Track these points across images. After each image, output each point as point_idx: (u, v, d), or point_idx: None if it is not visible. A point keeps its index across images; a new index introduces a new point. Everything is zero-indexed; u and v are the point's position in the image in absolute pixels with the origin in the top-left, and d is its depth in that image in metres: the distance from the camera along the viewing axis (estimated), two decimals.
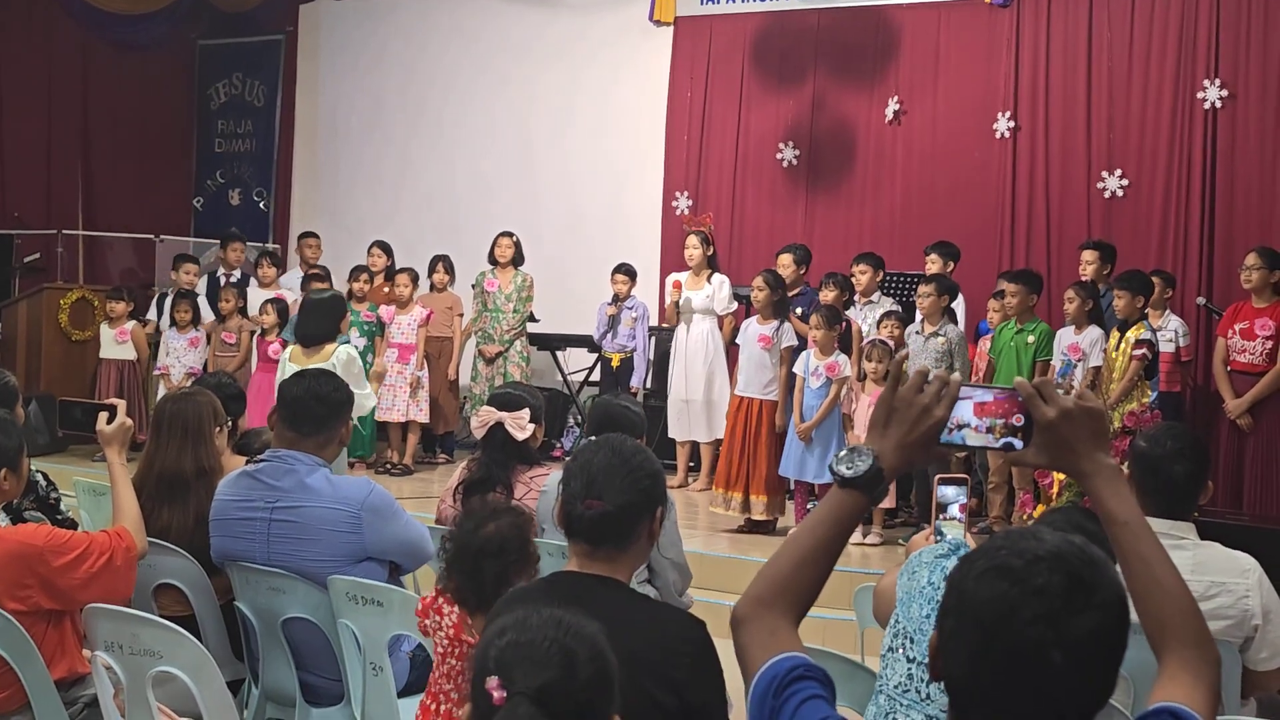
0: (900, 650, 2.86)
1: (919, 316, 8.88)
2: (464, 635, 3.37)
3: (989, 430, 2.23)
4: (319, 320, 7.25)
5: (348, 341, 8.01)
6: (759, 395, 8.77)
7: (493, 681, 1.80)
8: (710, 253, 10.34)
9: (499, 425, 5.04)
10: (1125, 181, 10.44)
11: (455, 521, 3.47)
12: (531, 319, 11.27)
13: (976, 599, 1.76)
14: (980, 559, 1.79)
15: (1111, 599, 1.75)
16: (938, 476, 3.29)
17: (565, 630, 1.87)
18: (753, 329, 8.92)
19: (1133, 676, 3.78)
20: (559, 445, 11.31)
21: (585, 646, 1.87)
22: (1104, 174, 10.50)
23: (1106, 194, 10.49)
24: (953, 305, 8.92)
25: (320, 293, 7.97)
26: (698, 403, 10.16)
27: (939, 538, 3.18)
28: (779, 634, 2.14)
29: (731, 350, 10.35)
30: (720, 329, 10.33)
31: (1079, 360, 8.29)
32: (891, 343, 8.58)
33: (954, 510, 3.25)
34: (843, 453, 2.20)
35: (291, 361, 7.08)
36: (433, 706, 3.42)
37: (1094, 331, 8.30)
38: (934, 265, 9.51)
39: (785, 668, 2.05)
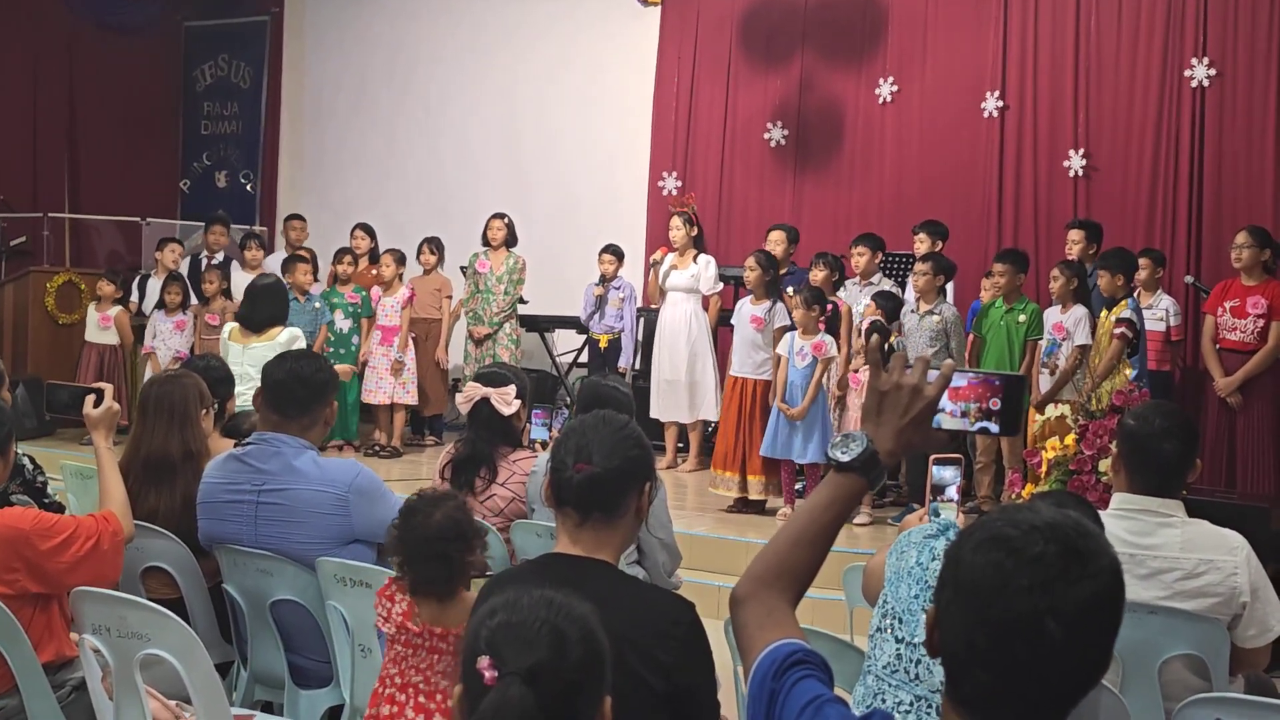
0: (889, 630, 2.86)
1: (913, 296, 8.88)
2: (410, 624, 3.41)
3: (964, 414, 2.25)
4: (266, 305, 7.28)
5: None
6: (752, 375, 8.79)
7: (484, 661, 1.80)
8: (695, 233, 10.32)
9: (484, 401, 5.06)
10: (1111, 160, 10.41)
11: (394, 524, 3.48)
12: (521, 301, 11.25)
13: (972, 568, 1.76)
14: (977, 531, 1.81)
15: (1106, 570, 1.75)
16: (932, 458, 3.29)
17: (556, 610, 1.87)
18: (745, 309, 8.93)
19: (1124, 656, 3.80)
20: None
21: (576, 627, 1.87)
22: (1092, 153, 10.48)
23: (1094, 173, 10.48)
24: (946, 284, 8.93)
25: (264, 278, 8.00)
26: (680, 383, 10.14)
27: (934, 518, 3.19)
28: (776, 614, 2.17)
29: (719, 331, 10.35)
30: (705, 310, 10.31)
31: (1064, 339, 8.30)
32: (882, 321, 8.58)
33: (950, 491, 3.27)
34: (837, 438, 2.23)
35: (231, 341, 7.12)
36: (380, 691, 3.45)
37: (1079, 310, 8.30)
38: (923, 244, 9.50)
39: (784, 653, 2.08)
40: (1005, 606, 1.72)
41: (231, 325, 7.33)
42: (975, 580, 1.76)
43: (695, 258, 10.26)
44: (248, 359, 6.53)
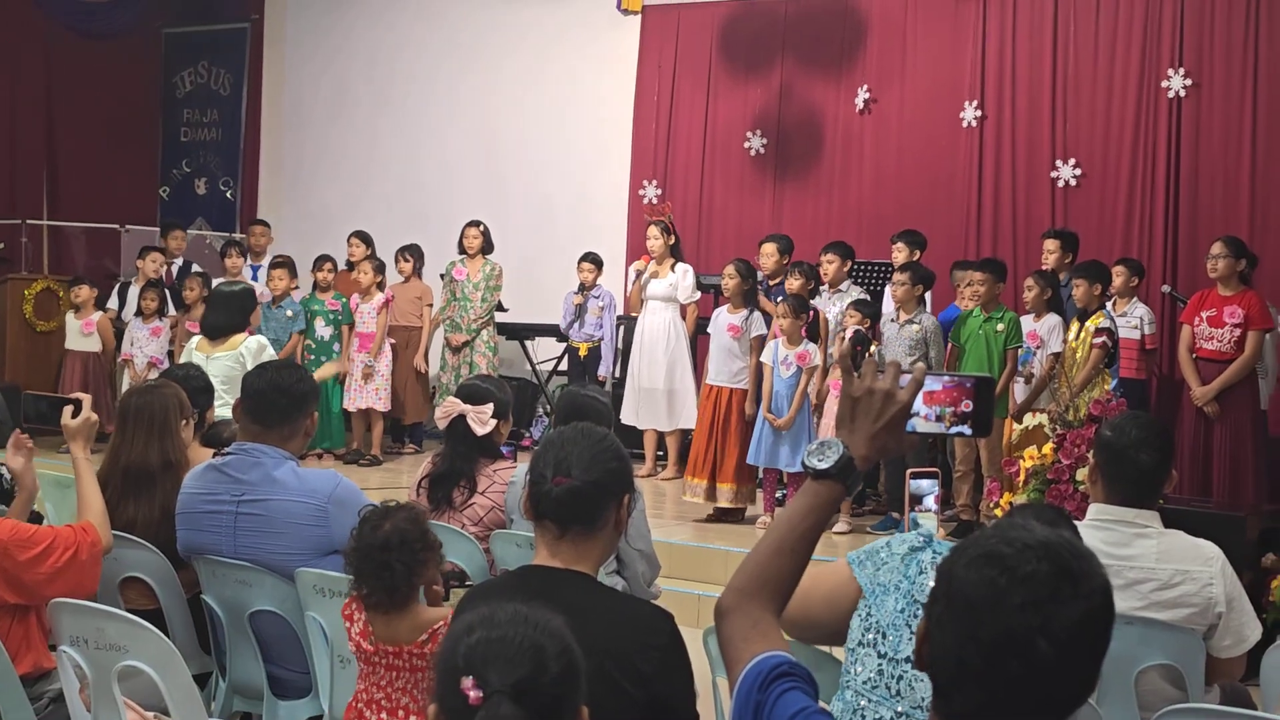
0: (871, 645, 2.87)
1: (893, 305, 8.91)
2: (364, 643, 3.43)
3: (938, 418, 2.28)
4: (226, 313, 7.25)
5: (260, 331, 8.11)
6: (728, 384, 8.80)
7: (468, 682, 1.81)
8: (672, 241, 10.32)
9: (461, 417, 5.06)
10: (1089, 170, 10.47)
11: (352, 534, 3.50)
12: (499, 308, 11.25)
13: (965, 584, 1.78)
14: (971, 547, 1.82)
15: (1098, 591, 1.77)
16: (910, 471, 3.32)
17: (532, 625, 1.88)
18: (722, 318, 8.95)
19: (1103, 671, 3.81)
20: (528, 435, 11.32)
21: (553, 641, 1.88)
22: (1070, 163, 10.53)
23: (1071, 183, 10.53)
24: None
25: (230, 284, 7.96)
26: (659, 391, 10.14)
27: (914, 529, 3.21)
28: (761, 625, 2.19)
29: (697, 340, 10.35)
30: (683, 318, 10.32)
31: (1038, 348, 8.35)
32: (864, 330, 8.60)
33: (928, 502, 3.30)
34: (813, 446, 2.25)
35: (198, 351, 7.10)
36: (353, 705, 3.49)
37: (1052, 319, 8.37)
38: (900, 254, 9.54)
39: (770, 665, 2.10)
40: (997, 624, 1.74)
41: (198, 335, 7.30)
42: (968, 596, 1.77)
43: (673, 266, 10.27)
44: (212, 369, 6.49)
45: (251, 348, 6.95)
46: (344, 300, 10.97)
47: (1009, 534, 1.80)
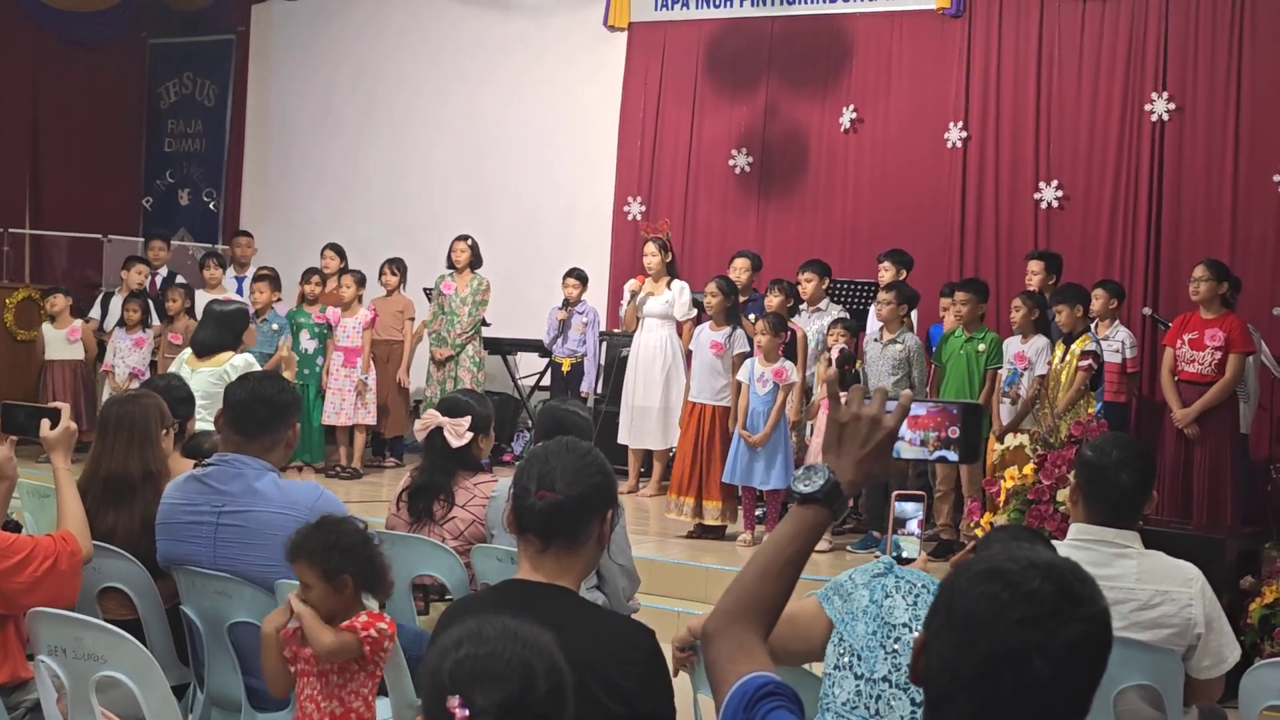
0: (848, 668, 2.88)
1: (877, 324, 8.92)
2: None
3: (922, 443, 2.28)
4: (216, 330, 7.30)
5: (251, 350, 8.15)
6: (711, 401, 8.81)
7: (454, 701, 1.80)
8: (669, 259, 10.33)
9: (439, 430, 5.07)
10: (1072, 192, 10.52)
11: (309, 553, 3.52)
12: (484, 323, 11.23)
13: (967, 598, 1.79)
14: (977, 563, 1.84)
15: (1098, 615, 1.78)
16: (895, 493, 3.33)
17: (521, 643, 1.88)
18: (705, 335, 8.95)
19: None
20: (509, 450, 11.30)
21: (542, 659, 1.88)
22: (1053, 184, 10.57)
23: (1054, 204, 10.57)
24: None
25: (224, 304, 7.97)
26: (653, 409, 10.11)
27: (896, 553, 3.22)
28: (746, 647, 2.19)
29: (690, 357, 10.35)
30: (679, 335, 10.31)
31: (1025, 369, 8.36)
32: (850, 349, 8.62)
33: (911, 526, 3.30)
34: (799, 471, 2.25)
35: (186, 365, 7.13)
36: None
37: (1040, 341, 8.38)
38: (887, 273, 9.55)
39: (755, 685, 2.10)
40: (995, 639, 1.75)
41: (189, 350, 7.35)
42: (969, 610, 1.78)
43: (669, 283, 10.27)
44: (195, 383, 6.50)
45: (238, 365, 6.95)
46: (328, 312, 10.96)
47: (1015, 553, 1.82)
